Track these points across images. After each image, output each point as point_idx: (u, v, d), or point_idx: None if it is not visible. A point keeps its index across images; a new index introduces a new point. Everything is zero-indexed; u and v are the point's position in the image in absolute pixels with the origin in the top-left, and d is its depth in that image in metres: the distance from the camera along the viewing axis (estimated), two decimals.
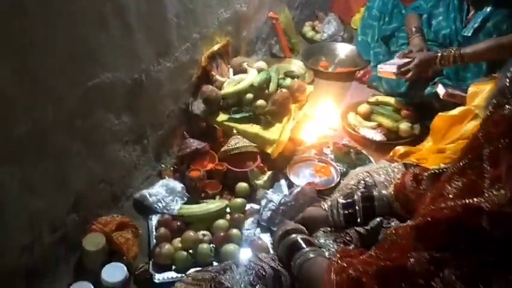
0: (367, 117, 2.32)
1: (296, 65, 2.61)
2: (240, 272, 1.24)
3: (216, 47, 2.11)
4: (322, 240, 1.36)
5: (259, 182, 1.91)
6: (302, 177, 1.97)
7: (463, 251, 0.84)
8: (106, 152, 1.59)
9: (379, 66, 2.34)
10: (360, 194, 1.44)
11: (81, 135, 1.44)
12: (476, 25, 2.17)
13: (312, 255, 1.19)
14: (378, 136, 2.18)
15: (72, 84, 1.35)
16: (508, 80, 0.87)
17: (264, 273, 1.23)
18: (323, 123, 2.28)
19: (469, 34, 2.20)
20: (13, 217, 1.27)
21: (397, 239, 0.97)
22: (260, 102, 2.05)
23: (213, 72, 2.08)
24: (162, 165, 1.94)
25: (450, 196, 0.89)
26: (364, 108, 2.34)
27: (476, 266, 0.82)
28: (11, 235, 1.28)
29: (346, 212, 1.41)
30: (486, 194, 0.82)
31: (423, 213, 0.94)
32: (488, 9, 2.15)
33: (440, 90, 2.12)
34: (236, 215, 1.73)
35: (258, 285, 1.19)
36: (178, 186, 1.81)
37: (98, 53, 1.41)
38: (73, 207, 1.49)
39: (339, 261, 1.07)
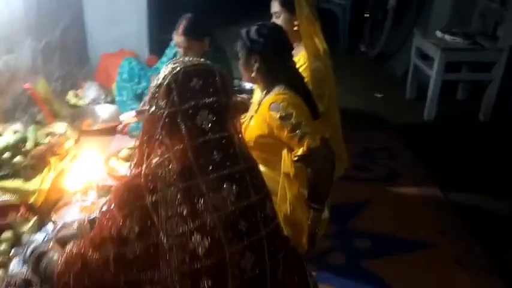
0: (128, 160, 2.68)
1: (59, 127, 2.86)
2: None
3: None
4: None
5: (24, 229, 2.06)
6: (68, 218, 2.19)
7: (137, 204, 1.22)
8: None
9: (120, 117, 2.80)
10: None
11: None
12: None
13: (53, 255, 1.45)
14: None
15: None
16: (153, 87, 1.32)
17: (14, 285, 1.44)
18: (87, 171, 2.55)
19: None
20: None
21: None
22: (17, 158, 2.24)
23: None
24: None
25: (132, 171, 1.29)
26: (124, 152, 2.70)
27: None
28: None
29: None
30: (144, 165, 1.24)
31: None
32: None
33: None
34: (0, 260, 1.86)
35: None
36: None
37: None
38: None
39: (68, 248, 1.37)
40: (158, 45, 4.12)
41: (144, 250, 1.19)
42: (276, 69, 1.90)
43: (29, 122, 2.89)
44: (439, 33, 3.64)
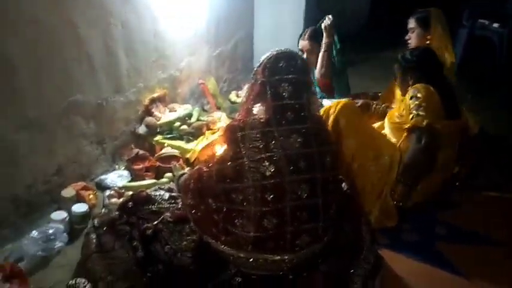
0: None
1: (217, 114, 3.72)
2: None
3: (155, 94, 3.23)
4: None
5: (180, 173, 2.90)
6: None
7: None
8: (78, 144, 2.61)
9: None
10: None
11: (64, 128, 2.47)
12: None
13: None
14: None
15: (59, 96, 2.42)
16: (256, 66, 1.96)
17: (163, 189, 2.23)
18: None
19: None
20: (23, 165, 2.26)
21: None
22: (183, 127, 3.13)
23: (153, 110, 3.17)
24: (116, 165, 2.93)
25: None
26: None
27: None
28: (22, 175, 2.25)
29: None
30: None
31: None
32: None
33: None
34: (162, 186, 2.71)
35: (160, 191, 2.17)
36: (125, 173, 2.81)
37: (75, 80, 2.50)
38: (56, 172, 2.47)
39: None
40: None
41: (233, 167, 1.79)
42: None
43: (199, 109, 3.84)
44: None
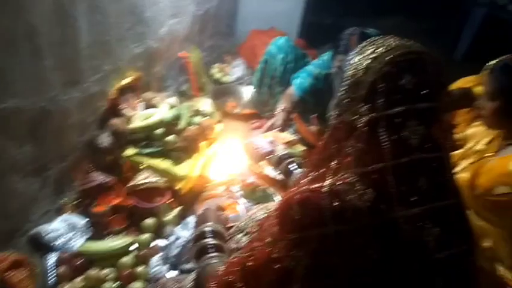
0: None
1: (205, 104, 2.65)
2: None
3: (126, 81, 2.08)
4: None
5: (168, 218, 1.88)
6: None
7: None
8: (3, 183, 1.47)
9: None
10: None
11: None
12: None
13: (213, 261, 1.21)
14: (281, 175, 2.28)
15: None
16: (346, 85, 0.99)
17: None
18: (231, 161, 2.33)
19: None
20: None
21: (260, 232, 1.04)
22: (171, 137, 2.05)
23: (122, 106, 2.04)
24: (64, 200, 1.82)
25: (302, 185, 0.98)
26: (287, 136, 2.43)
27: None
28: None
29: None
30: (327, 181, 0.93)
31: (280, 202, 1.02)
32: None
33: None
34: (142, 252, 1.68)
35: None
36: (80, 221, 1.72)
37: (4, 77, 1.33)
38: None
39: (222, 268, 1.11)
40: (308, 27, 3.82)
41: None
42: None
43: (176, 93, 2.73)
44: None
